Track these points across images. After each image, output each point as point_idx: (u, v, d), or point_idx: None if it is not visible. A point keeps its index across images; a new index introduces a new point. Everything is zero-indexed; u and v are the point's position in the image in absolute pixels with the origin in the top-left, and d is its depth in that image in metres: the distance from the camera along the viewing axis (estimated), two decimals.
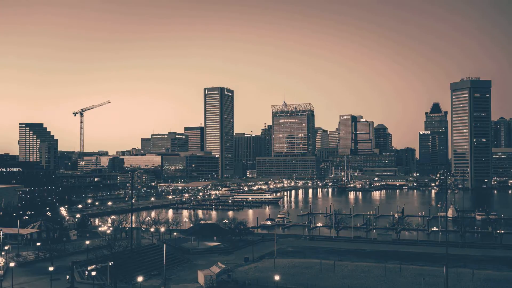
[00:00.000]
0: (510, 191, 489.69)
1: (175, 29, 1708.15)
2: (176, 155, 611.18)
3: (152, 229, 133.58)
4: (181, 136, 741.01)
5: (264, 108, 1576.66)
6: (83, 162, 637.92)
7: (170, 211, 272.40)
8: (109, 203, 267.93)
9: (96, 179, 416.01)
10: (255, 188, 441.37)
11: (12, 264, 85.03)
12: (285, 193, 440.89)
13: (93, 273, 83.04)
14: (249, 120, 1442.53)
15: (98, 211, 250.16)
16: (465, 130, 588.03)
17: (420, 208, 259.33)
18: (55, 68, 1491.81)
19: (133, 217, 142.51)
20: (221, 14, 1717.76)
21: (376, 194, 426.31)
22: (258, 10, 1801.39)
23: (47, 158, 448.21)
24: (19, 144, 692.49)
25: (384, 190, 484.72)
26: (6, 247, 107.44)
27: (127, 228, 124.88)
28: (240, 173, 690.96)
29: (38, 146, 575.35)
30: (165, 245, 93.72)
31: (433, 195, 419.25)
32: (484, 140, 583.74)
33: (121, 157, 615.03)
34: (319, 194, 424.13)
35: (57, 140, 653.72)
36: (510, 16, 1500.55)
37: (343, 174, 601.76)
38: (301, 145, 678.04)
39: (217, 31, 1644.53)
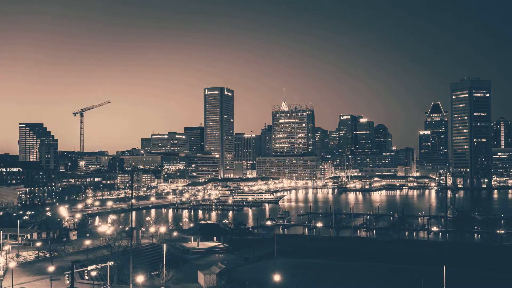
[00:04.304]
0: (510, 191, 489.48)
1: (176, 29, 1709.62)
2: (176, 155, 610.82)
3: (152, 229, 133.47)
4: (181, 136, 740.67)
5: (264, 108, 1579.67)
6: (83, 162, 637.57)
7: (170, 211, 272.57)
8: (109, 203, 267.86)
9: (96, 179, 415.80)
10: (255, 188, 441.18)
11: (12, 264, 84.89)
12: (285, 193, 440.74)
13: (93, 273, 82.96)
14: (249, 120, 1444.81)
15: (98, 211, 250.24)
16: (465, 130, 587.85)
17: (420, 208, 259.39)
18: (55, 68, 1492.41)
19: (133, 217, 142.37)
20: (221, 15, 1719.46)
21: (376, 194, 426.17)
22: (258, 11, 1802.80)
23: (47, 158, 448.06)
24: (19, 144, 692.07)
25: (384, 190, 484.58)
26: (6, 247, 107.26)
27: (127, 228, 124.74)
28: (240, 173, 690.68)
29: (38, 146, 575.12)
30: (165, 245, 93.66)
31: (433, 195, 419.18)
32: (484, 140, 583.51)
33: (121, 157, 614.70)
34: (319, 194, 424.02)
35: (57, 140, 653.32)
36: (510, 16, 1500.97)
37: (343, 174, 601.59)
38: (301, 145, 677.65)
39: (218, 31, 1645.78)
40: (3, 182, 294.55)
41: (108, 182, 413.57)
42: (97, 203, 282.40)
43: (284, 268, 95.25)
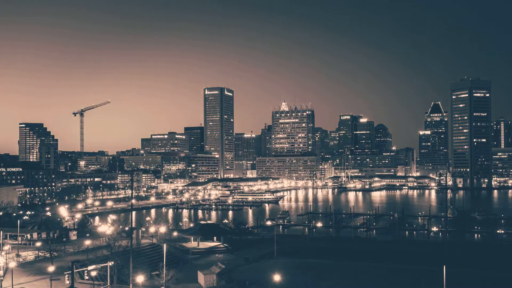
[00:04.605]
0: (510, 191, 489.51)
1: (176, 29, 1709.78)
2: (176, 155, 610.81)
3: (152, 229, 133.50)
4: (181, 136, 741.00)
5: (264, 108, 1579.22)
6: (83, 162, 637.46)
7: (170, 211, 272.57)
8: (109, 203, 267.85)
9: (96, 179, 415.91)
10: (255, 188, 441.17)
11: (12, 264, 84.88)
12: (285, 193, 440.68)
13: (93, 273, 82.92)
14: (249, 120, 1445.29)
15: (98, 211, 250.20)
16: (465, 130, 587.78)
17: (420, 208, 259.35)
18: (55, 68, 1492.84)
19: (133, 217, 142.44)
20: (222, 14, 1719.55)
21: (376, 194, 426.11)
22: (258, 11, 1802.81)
23: (47, 158, 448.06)
24: (19, 144, 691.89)
25: (384, 190, 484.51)
26: (6, 247, 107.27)
27: (127, 228, 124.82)
28: (240, 173, 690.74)
29: (38, 146, 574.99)
30: (165, 245, 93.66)
31: (433, 195, 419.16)
32: (484, 140, 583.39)
33: (121, 157, 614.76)
34: (319, 194, 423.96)
35: (57, 140, 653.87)
36: (510, 16, 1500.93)
37: (343, 174, 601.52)
38: (301, 145, 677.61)
39: (218, 31, 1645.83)
40: (3, 182, 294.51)
41: (108, 182, 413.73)
42: (97, 203, 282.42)
43: (284, 268, 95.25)
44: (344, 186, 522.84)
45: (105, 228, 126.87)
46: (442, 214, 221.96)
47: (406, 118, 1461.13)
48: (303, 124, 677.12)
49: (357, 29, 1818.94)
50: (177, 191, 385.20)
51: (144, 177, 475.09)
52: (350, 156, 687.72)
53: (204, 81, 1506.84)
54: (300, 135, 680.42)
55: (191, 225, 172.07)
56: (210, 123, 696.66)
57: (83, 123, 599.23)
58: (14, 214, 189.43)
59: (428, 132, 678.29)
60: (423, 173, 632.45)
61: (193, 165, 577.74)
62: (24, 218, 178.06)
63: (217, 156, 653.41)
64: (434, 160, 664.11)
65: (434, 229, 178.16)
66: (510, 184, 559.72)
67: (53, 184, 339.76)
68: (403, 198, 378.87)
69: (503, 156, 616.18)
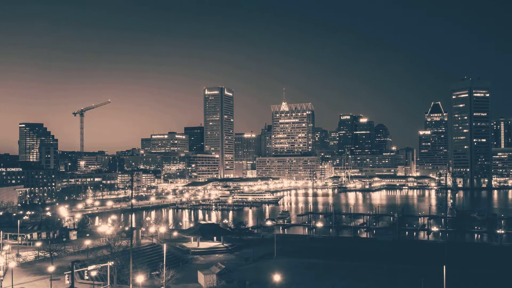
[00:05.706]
0: (510, 191, 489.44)
1: (176, 29, 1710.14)
2: (176, 155, 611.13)
3: (152, 229, 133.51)
4: (181, 136, 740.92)
5: (264, 108, 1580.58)
6: (83, 162, 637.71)
7: (170, 211, 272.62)
8: (109, 203, 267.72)
9: (96, 179, 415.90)
10: (255, 188, 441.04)
11: (12, 264, 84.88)
12: (285, 193, 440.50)
13: (93, 273, 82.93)
14: (249, 120, 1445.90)
15: (98, 211, 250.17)
16: (465, 130, 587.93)
17: (420, 208, 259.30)
18: (56, 68, 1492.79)
19: (133, 217, 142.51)
20: (222, 14, 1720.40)
21: (376, 194, 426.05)
22: (259, 11, 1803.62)
23: (47, 158, 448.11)
24: (19, 144, 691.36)
25: (384, 190, 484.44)
26: (6, 247, 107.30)
27: (127, 228, 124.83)
28: (240, 173, 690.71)
29: (38, 146, 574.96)
30: (165, 245, 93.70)
31: (433, 195, 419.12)
32: (484, 140, 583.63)
33: (121, 157, 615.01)
34: (319, 194, 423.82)
35: (57, 140, 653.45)
36: (510, 16, 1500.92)
37: (343, 174, 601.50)
38: (301, 145, 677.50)
39: (218, 31, 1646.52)
40: (3, 182, 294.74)
41: (108, 182, 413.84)
42: (97, 203, 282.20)
43: (284, 268, 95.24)
44: (344, 186, 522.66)
45: (105, 228, 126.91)
46: (442, 214, 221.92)
47: (406, 118, 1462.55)
48: (303, 124, 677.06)
49: (357, 29, 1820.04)
50: (177, 191, 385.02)
51: (144, 177, 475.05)
52: (350, 156, 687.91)
53: (204, 81, 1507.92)
54: (300, 135, 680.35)
55: (191, 225, 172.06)
56: (210, 123, 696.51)
57: (83, 123, 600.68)
58: (14, 214, 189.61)
59: (428, 132, 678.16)
60: (423, 173, 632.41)
61: (193, 165, 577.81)
62: (24, 218, 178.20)
63: (217, 156, 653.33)
64: (434, 160, 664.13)
65: (434, 229, 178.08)
66: (510, 184, 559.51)
67: (53, 184, 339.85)
68: (403, 198, 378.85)
69: (503, 156, 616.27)
